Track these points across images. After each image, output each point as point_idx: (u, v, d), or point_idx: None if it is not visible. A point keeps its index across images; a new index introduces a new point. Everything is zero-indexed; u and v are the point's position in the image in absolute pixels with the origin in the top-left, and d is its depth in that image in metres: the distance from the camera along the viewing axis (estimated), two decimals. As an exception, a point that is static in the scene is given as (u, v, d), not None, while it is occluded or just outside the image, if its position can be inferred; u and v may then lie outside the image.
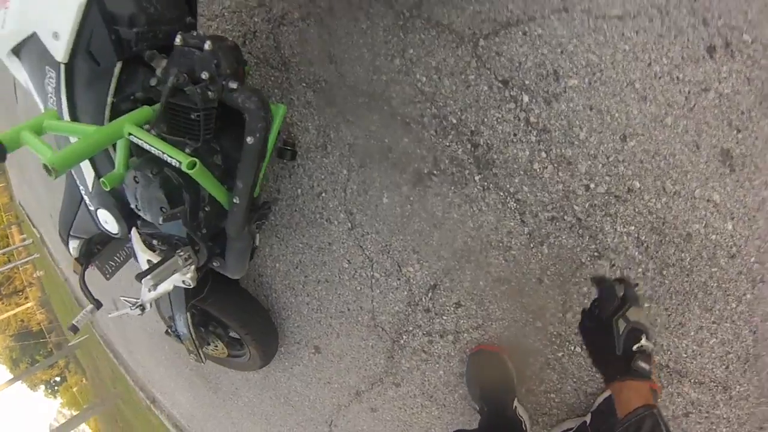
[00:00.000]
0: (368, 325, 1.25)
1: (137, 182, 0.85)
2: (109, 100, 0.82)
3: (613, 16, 0.74)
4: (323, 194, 1.14)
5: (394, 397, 1.32)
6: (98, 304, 1.20)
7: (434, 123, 0.93)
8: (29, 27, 0.81)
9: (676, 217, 0.80)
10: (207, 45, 0.77)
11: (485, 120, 0.88)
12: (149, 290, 0.95)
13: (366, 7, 0.93)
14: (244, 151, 0.83)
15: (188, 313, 1.19)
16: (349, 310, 1.26)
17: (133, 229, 1.00)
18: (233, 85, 0.79)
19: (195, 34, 0.81)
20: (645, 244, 0.84)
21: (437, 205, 0.99)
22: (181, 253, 0.91)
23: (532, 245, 0.92)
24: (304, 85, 1.06)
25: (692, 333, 0.86)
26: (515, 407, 1.02)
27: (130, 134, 0.76)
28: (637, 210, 0.82)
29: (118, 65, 0.80)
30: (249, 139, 0.81)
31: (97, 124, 0.83)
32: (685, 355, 0.88)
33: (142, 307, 1.15)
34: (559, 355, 0.99)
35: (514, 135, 0.86)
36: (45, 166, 0.68)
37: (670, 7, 0.71)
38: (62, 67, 0.79)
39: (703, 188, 0.78)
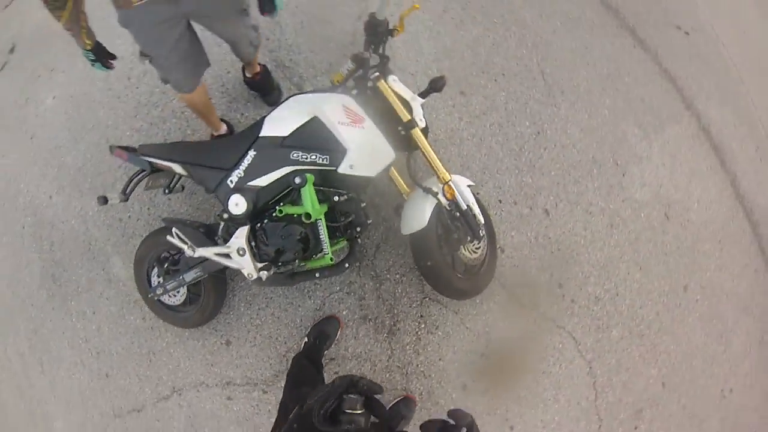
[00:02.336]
0: (280, 353, 1.93)
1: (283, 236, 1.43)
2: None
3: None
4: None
5: (256, 399, 1.90)
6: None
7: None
8: (347, 145, 1.38)
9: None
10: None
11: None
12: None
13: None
14: None
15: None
16: (277, 339, 1.94)
17: (247, 228, 1.47)
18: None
19: None
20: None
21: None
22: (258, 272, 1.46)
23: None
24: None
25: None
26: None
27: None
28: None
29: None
30: None
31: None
32: None
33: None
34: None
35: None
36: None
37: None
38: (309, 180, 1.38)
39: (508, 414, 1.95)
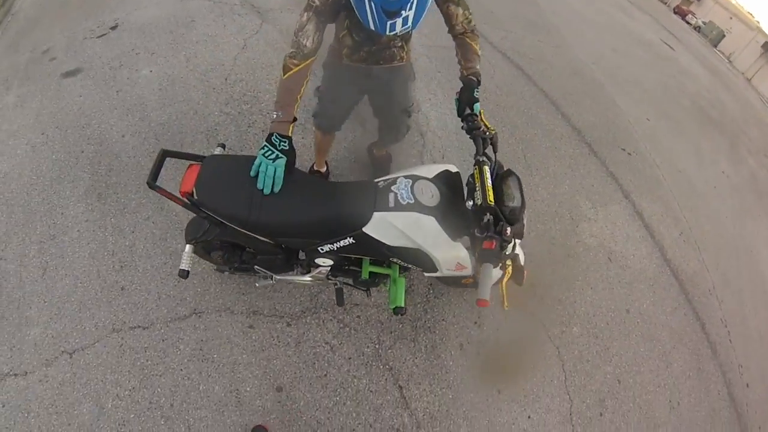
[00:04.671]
0: (312, 293, 2.26)
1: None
2: None
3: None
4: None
5: (278, 331, 2.10)
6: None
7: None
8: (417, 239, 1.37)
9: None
10: None
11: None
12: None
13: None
14: None
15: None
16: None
17: (330, 265, 1.71)
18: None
19: None
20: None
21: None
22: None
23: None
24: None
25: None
26: None
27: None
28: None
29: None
30: None
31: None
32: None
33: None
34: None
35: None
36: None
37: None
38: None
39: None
